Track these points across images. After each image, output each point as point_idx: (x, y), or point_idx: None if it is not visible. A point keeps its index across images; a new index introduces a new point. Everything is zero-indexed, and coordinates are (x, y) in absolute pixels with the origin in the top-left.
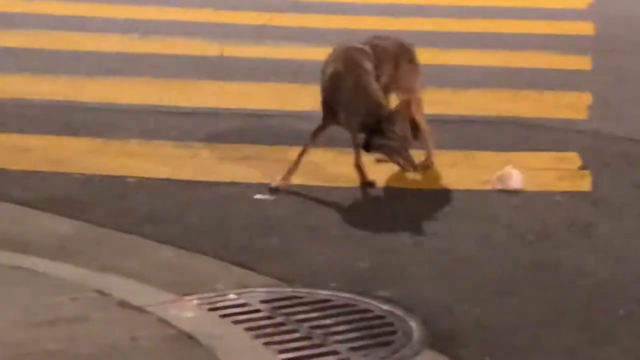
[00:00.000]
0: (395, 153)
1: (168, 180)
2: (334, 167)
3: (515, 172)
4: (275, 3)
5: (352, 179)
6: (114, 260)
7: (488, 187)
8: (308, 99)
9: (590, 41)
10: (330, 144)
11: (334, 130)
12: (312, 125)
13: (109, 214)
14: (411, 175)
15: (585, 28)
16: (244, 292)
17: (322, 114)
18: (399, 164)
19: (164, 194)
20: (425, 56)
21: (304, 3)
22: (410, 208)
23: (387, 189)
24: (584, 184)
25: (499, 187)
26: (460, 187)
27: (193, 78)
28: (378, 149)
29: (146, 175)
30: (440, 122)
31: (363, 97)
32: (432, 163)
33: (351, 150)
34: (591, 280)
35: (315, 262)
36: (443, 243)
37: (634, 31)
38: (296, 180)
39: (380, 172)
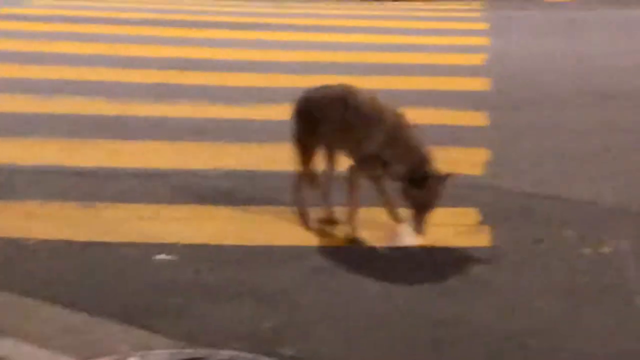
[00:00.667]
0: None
1: (69, 241)
2: (237, 224)
3: (408, 228)
4: (176, 61)
5: (252, 238)
6: (13, 324)
7: (383, 244)
8: (208, 157)
9: (486, 97)
10: (234, 203)
11: (234, 189)
12: (213, 184)
13: (7, 277)
14: (314, 232)
15: (481, 84)
16: (147, 354)
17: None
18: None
19: (65, 255)
20: None
21: (203, 61)
22: (314, 265)
23: (292, 248)
24: (483, 239)
25: (393, 243)
26: (360, 243)
27: (93, 137)
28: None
29: (46, 237)
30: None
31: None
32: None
33: (248, 209)
34: (491, 335)
35: (217, 322)
36: (346, 300)
37: (528, 87)
38: (198, 239)
39: (285, 229)
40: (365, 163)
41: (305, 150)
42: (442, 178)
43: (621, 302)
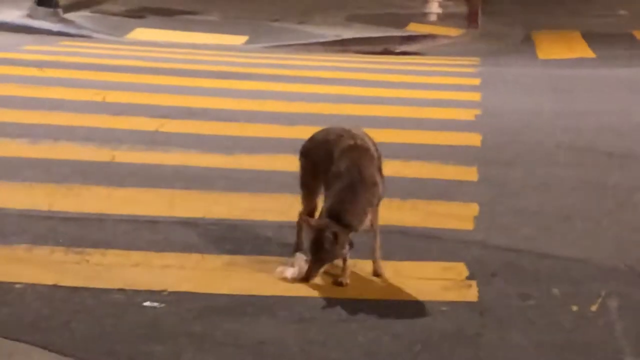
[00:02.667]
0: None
1: (55, 286)
2: (224, 273)
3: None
4: (167, 109)
5: (239, 287)
6: None
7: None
8: (198, 206)
9: (476, 153)
10: (221, 251)
11: (222, 238)
12: (202, 232)
13: None
14: (302, 284)
15: (472, 139)
16: None
17: None
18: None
19: (51, 300)
20: None
21: (196, 109)
22: (300, 315)
23: (278, 298)
24: (470, 294)
25: (281, 276)
26: (349, 295)
27: (83, 183)
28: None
29: (33, 282)
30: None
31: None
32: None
33: (235, 258)
34: None
35: None
36: (332, 352)
37: (517, 143)
38: (185, 287)
39: (271, 279)
40: None
41: (307, 191)
42: (327, 235)
43: None
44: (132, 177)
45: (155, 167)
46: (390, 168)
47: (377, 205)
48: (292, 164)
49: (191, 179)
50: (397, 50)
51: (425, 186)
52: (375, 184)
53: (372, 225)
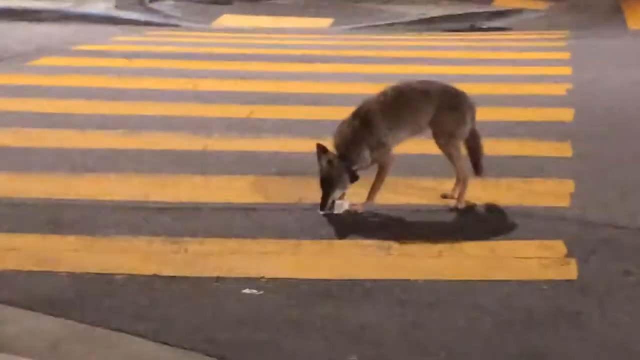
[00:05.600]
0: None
1: (155, 276)
2: (323, 258)
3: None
4: (256, 95)
5: (340, 272)
6: (104, 358)
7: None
8: (292, 192)
9: (569, 127)
10: (317, 237)
11: (316, 224)
12: (298, 218)
13: (97, 312)
14: (399, 267)
15: (565, 114)
16: None
17: None
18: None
19: (151, 290)
20: (411, 146)
21: (285, 95)
22: (398, 299)
23: (378, 281)
24: (570, 272)
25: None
26: (446, 276)
27: (177, 172)
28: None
29: (133, 272)
30: (426, 211)
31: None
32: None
33: (333, 243)
34: None
35: (300, 358)
36: (429, 333)
37: (611, 116)
38: (282, 274)
39: (369, 263)
40: None
41: None
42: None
43: None
44: (225, 165)
45: (248, 154)
46: (485, 146)
47: (383, 146)
48: None
49: (284, 164)
50: (484, 27)
51: (520, 164)
52: (371, 123)
53: (378, 164)
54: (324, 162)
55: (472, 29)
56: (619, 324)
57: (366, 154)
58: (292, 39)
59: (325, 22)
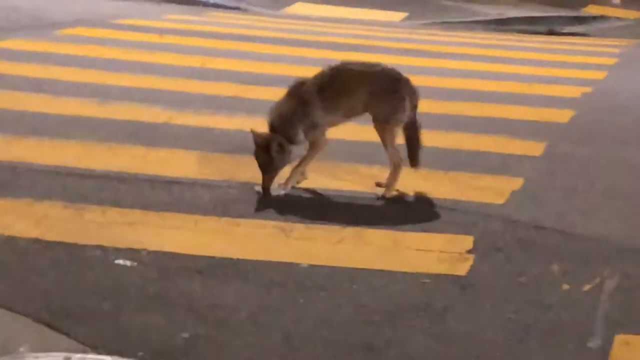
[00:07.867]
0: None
1: (36, 240)
2: (218, 237)
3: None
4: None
5: (230, 251)
6: None
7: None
8: (228, 169)
9: (558, 128)
10: (226, 214)
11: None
12: (215, 194)
13: None
14: (292, 250)
15: (562, 116)
16: (42, 357)
17: None
18: None
19: (26, 254)
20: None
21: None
22: (269, 281)
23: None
24: (461, 268)
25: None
26: (334, 263)
27: (125, 143)
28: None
29: (15, 234)
30: (349, 197)
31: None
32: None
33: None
34: None
35: (135, 330)
36: (281, 318)
37: (609, 122)
38: (170, 248)
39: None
40: None
41: None
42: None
43: (573, 342)
44: (182, 139)
45: (209, 131)
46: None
47: (317, 127)
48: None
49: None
50: (563, 31)
51: (480, 159)
52: (306, 102)
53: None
54: (275, 146)
55: (550, 32)
56: (485, 324)
57: (301, 134)
58: (360, 30)
59: (398, 16)
